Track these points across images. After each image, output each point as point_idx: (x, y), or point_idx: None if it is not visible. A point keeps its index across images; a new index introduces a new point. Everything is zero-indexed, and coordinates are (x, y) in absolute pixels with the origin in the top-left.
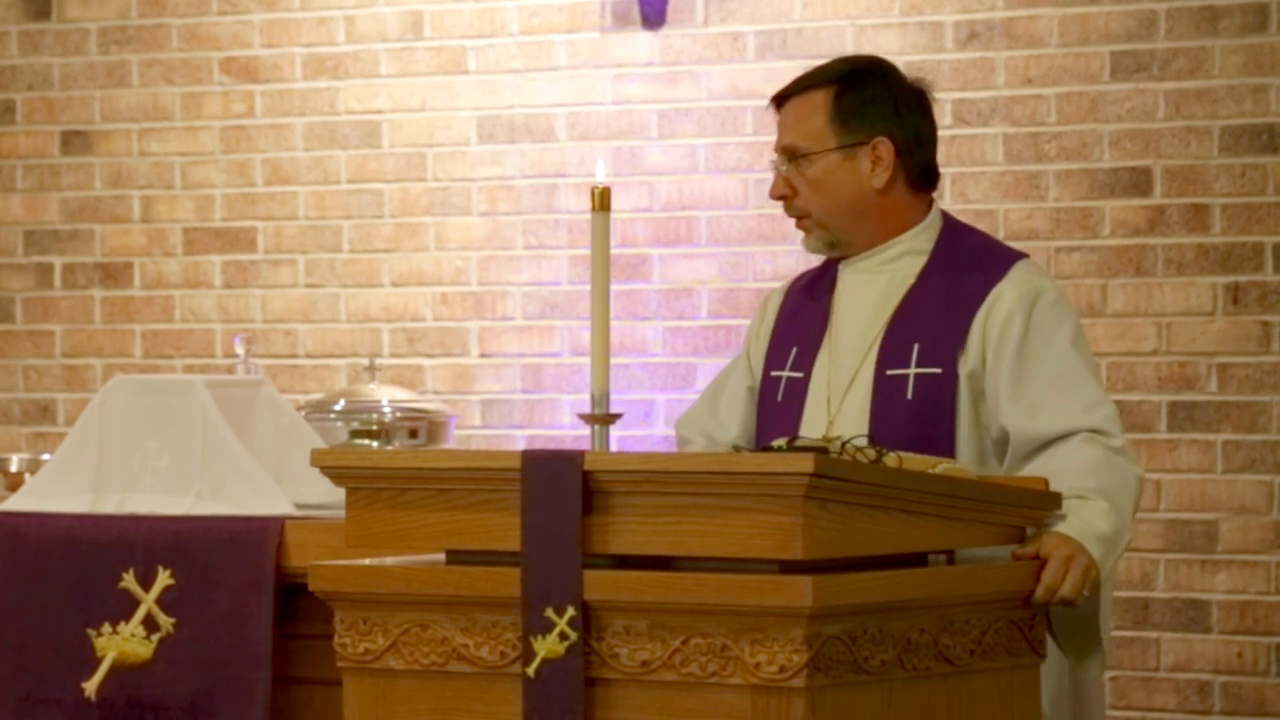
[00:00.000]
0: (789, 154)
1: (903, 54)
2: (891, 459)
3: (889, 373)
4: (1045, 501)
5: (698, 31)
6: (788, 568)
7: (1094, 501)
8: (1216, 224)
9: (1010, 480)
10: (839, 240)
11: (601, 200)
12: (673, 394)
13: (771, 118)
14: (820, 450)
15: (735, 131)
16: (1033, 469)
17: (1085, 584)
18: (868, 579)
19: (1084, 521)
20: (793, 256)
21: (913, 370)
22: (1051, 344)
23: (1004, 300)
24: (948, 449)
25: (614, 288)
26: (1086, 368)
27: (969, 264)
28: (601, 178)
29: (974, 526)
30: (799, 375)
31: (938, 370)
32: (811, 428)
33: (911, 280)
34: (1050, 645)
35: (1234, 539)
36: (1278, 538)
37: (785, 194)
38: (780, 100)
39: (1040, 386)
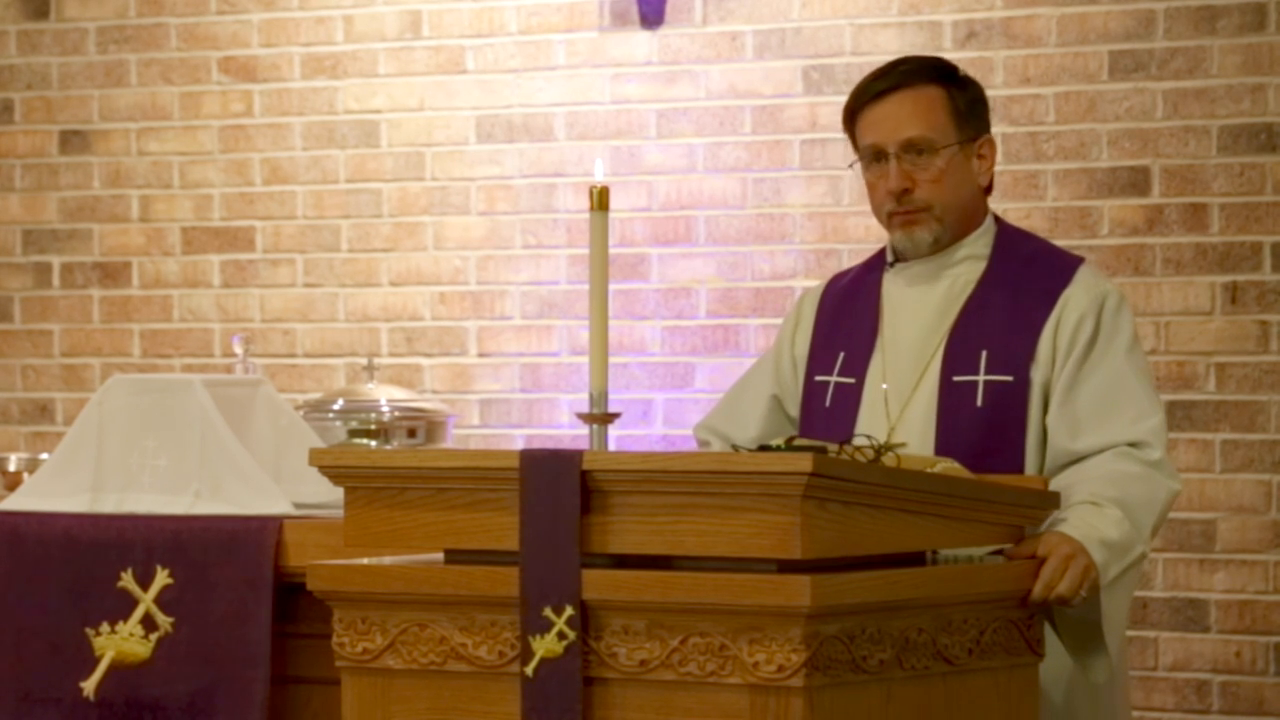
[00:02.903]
0: (911, 146)
1: (901, 53)
2: (890, 458)
3: (956, 379)
4: (1044, 501)
5: (696, 31)
6: (786, 567)
7: (1106, 509)
8: (1215, 223)
9: (1009, 480)
10: (945, 236)
11: (600, 200)
12: (671, 393)
13: (770, 117)
14: (818, 450)
15: (734, 131)
16: (1063, 477)
17: (1083, 584)
18: (866, 578)
19: (1088, 524)
20: (790, 256)
21: (982, 377)
22: (1107, 353)
23: (1074, 305)
24: (1017, 458)
25: (612, 287)
26: (1138, 376)
27: (1032, 269)
28: (600, 177)
29: (973, 526)
30: (850, 380)
31: (1009, 378)
32: (868, 434)
33: (973, 285)
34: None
35: (1232, 538)
36: (1276, 537)
37: (908, 186)
38: (880, 94)
39: (1089, 401)
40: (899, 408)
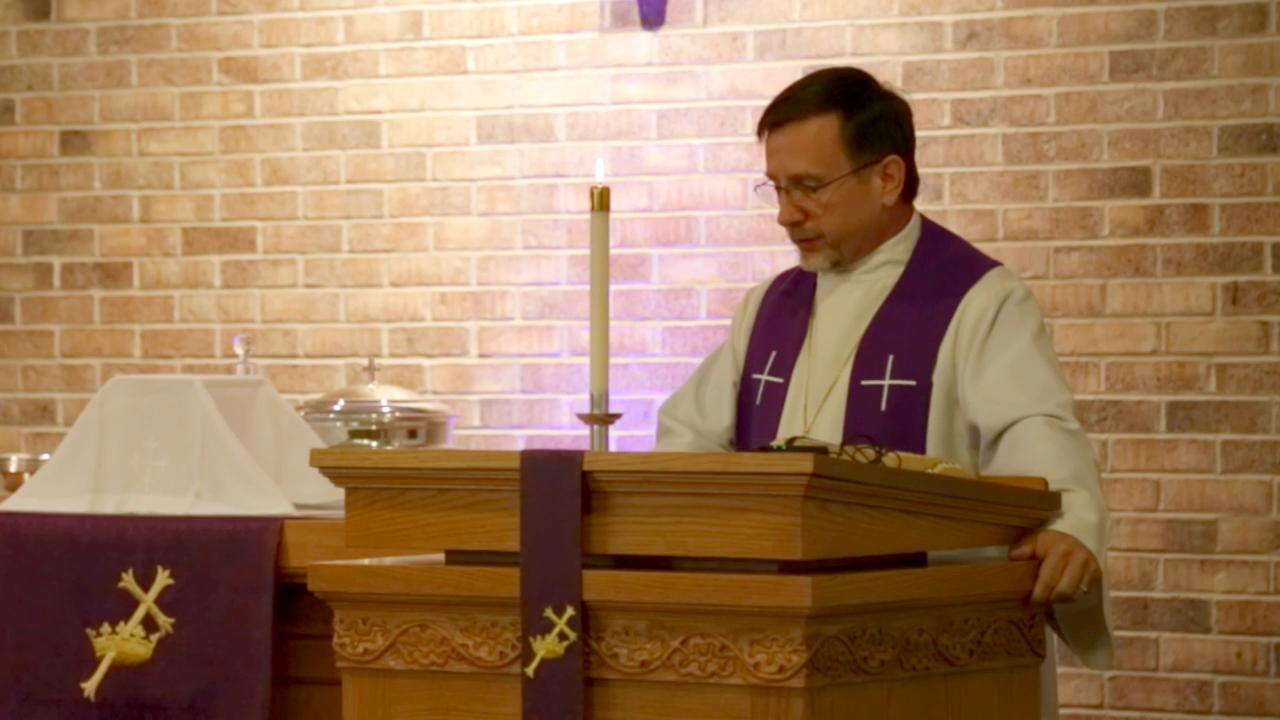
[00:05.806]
0: (799, 182)
1: (902, 54)
2: (891, 459)
3: (864, 383)
4: (1045, 501)
5: (697, 31)
6: (787, 568)
7: (1076, 492)
8: (1216, 224)
9: (1009, 480)
10: (844, 258)
11: (601, 200)
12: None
13: None
14: (819, 450)
15: (734, 131)
16: (1000, 461)
17: (1083, 578)
18: (867, 579)
19: (1075, 515)
20: (790, 257)
21: (887, 381)
22: (1013, 338)
23: (974, 305)
24: None
25: (613, 288)
26: (1045, 360)
27: (944, 275)
28: (601, 178)
29: (973, 526)
30: (778, 380)
31: (912, 383)
32: (788, 435)
33: (889, 290)
34: None
35: (1233, 539)
36: (1277, 538)
37: (797, 219)
38: (775, 125)
39: (997, 377)
40: (815, 410)
